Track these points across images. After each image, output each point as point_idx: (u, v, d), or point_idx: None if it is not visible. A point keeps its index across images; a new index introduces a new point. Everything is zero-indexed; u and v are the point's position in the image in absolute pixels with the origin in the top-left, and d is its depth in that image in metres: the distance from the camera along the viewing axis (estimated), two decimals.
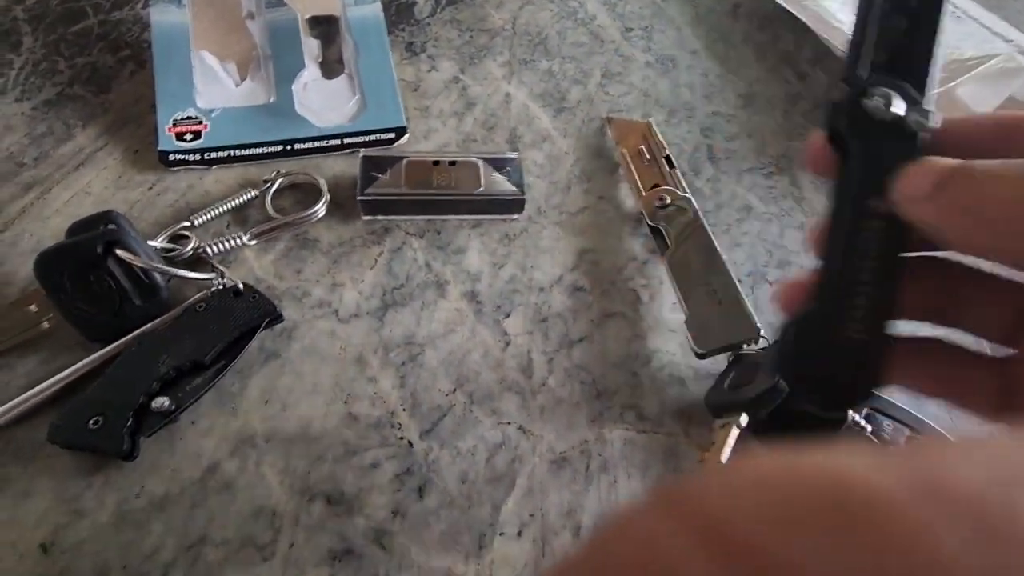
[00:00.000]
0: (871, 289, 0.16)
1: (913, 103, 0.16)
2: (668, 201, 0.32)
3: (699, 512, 0.07)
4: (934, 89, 0.17)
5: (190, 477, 0.22)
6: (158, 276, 0.25)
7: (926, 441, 0.07)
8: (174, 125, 0.32)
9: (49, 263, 0.23)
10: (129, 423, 0.22)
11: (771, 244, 0.33)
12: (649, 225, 0.31)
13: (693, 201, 0.32)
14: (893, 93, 0.16)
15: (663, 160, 0.34)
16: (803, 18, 0.43)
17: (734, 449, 0.22)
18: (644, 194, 0.32)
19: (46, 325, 0.24)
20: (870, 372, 0.16)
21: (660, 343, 0.28)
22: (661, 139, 0.35)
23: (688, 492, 0.07)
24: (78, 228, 0.25)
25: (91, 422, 0.22)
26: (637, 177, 0.33)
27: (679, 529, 0.07)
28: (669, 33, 0.45)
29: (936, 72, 0.17)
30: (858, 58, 0.16)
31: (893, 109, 0.16)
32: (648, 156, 0.34)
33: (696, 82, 0.41)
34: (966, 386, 0.17)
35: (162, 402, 0.23)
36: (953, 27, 0.47)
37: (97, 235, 0.24)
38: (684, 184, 0.33)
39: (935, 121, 0.16)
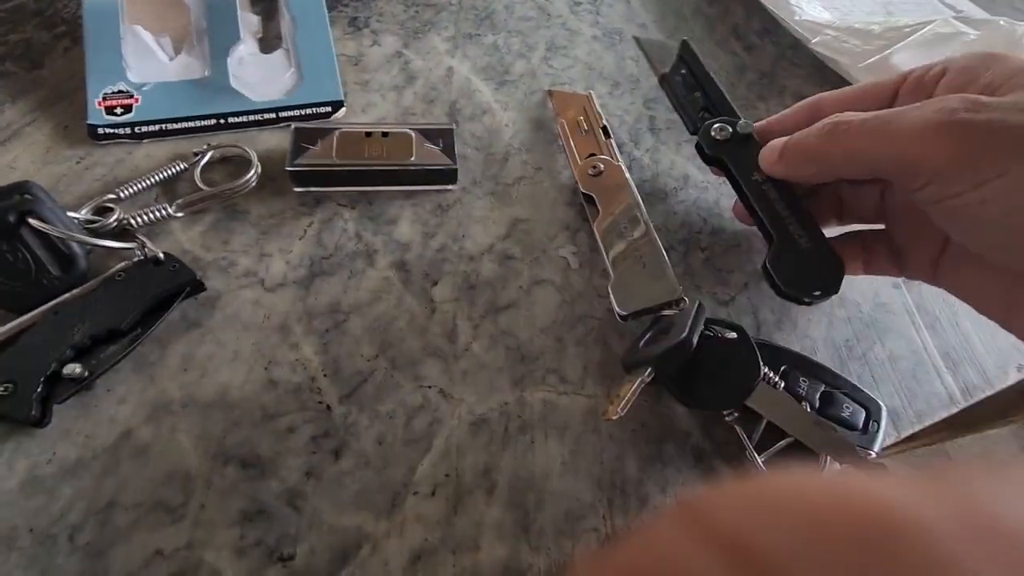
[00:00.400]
0: (793, 216, 0.26)
1: (734, 122, 0.30)
2: (601, 168, 0.32)
3: (725, 532, 0.06)
4: (737, 111, 0.31)
5: (103, 443, 0.22)
6: (76, 247, 0.25)
7: (969, 470, 0.07)
8: (104, 99, 0.32)
9: None
10: (40, 390, 0.22)
11: (706, 212, 0.33)
12: (582, 193, 0.31)
13: (625, 170, 0.32)
14: (720, 124, 0.30)
15: (599, 130, 0.34)
16: None
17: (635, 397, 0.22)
18: (579, 163, 0.32)
19: None
20: (833, 260, 0.25)
21: (587, 309, 0.28)
22: (599, 110, 0.35)
23: (712, 509, 0.07)
24: None
25: (2, 388, 0.22)
26: (574, 147, 0.33)
27: (704, 549, 0.06)
28: (618, 7, 0.44)
29: (730, 101, 0.32)
30: (691, 117, 0.32)
31: (727, 130, 0.30)
32: (586, 127, 0.34)
33: (642, 55, 0.41)
34: (875, 256, 0.27)
35: (74, 368, 0.22)
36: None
37: (9, 205, 0.24)
38: (617, 153, 0.33)
39: (751, 127, 0.29)
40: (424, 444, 0.24)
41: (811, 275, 0.25)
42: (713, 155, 0.29)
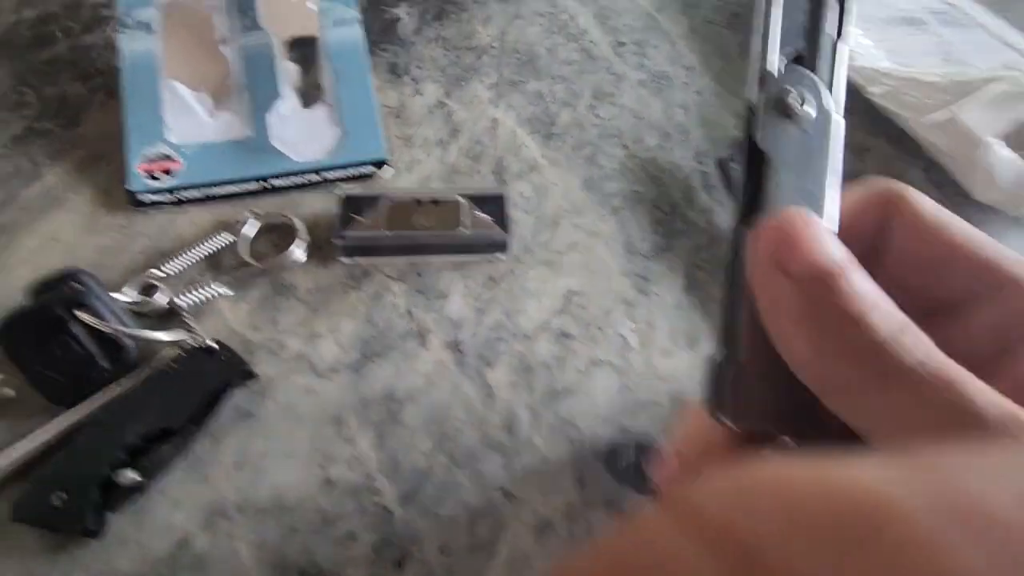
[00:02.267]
0: None
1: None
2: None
3: (711, 522, 0.06)
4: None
5: (159, 553, 0.22)
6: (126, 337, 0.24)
7: (950, 453, 0.07)
8: (144, 162, 0.31)
9: (10, 330, 0.22)
10: (94, 499, 0.21)
11: None
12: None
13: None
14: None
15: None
16: None
17: None
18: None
19: (11, 393, 0.23)
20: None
21: (650, 394, 0.27)
22: None
23: (700, 499, 0.07)
24: (42, 288, 0.24)
25: (55, 498, 0.21)
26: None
27: (690, 538, 0.06)
28: (663, 48, 0.43)
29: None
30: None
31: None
32: None
33: (691, 102, 0.39)
34: None
35: (129, 476, 0.22)
36: (959, 35, 0.45)
37: (58, 298, 0.23)
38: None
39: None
40: (488, 551, 0.23)
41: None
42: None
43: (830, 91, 0.15)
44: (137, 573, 0.21)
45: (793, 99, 0.14)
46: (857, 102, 0.40)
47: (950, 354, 0.12)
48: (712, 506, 0.07)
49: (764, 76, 0.15)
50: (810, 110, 0.14)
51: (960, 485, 0.06)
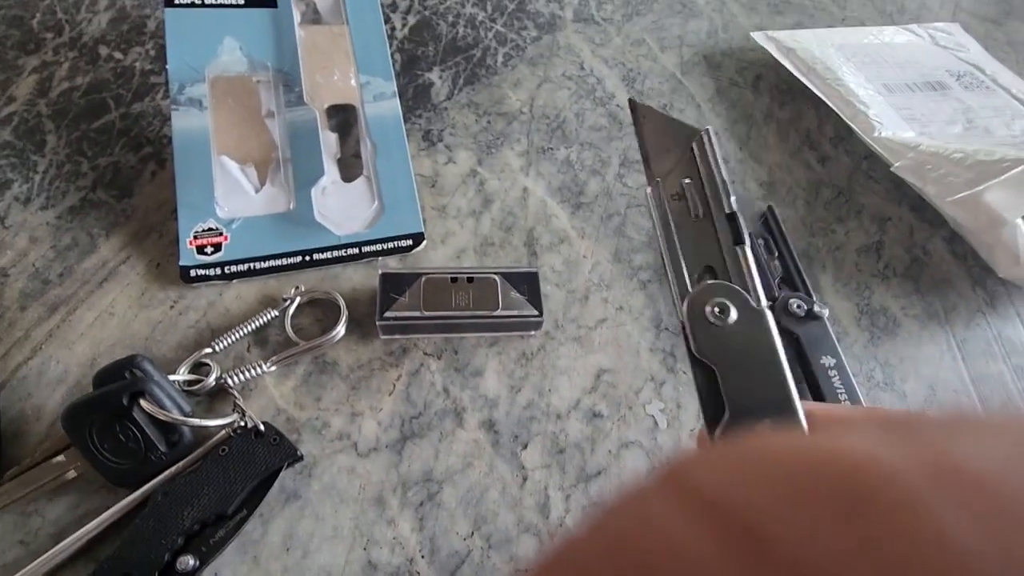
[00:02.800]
0: None
1: (811, 301, 0.29)
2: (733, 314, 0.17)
3: (705, 492, 0.07)
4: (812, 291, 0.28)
5: None
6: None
7: (936, 420, 0.08)
8: (195, 238, 0.32)
9: (76, 417, 0.24)
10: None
11: (792, 361, 0.33)
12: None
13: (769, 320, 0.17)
14: (798, 300, 0.30)
15: (719, 179, 0.18)
16: (823, 96, 0.43)
17: None
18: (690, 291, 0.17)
19: (73, 474, 0.25)
20: None
21: None
22: (720, 159, 0.19)
23: (693, 471, 0.07)
24: (105, 374, 0.25)
25: None
26: (680, 254, 0.17)
27: (684, 509, 0.06)
28: (688, 112, 0.44)
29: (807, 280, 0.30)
30: (766, 284, 0.27)
31: (803, 307, 0.30)
32: (699, 208, 0.18)
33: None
34: None
35: (187, 561, 0.23)
36: (980, 100, 0.46)
37: (123, 386, 0.24)
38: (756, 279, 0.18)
39: (826, 309, 0.30)
40: None
41: None
42: (787, 328, 0.31)
43: (748, 292, 0.16)
44: None
45: (710, 310, 0.16)
46: (880, 171, 0.41)
47: None
48: (710, 480, 0.07)
49: (683, 295, 0.16)
50: (733, 315, 0.16)
51: (946, 451, 0.06)
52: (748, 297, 0.16)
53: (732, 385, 0.15)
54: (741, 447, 0.07)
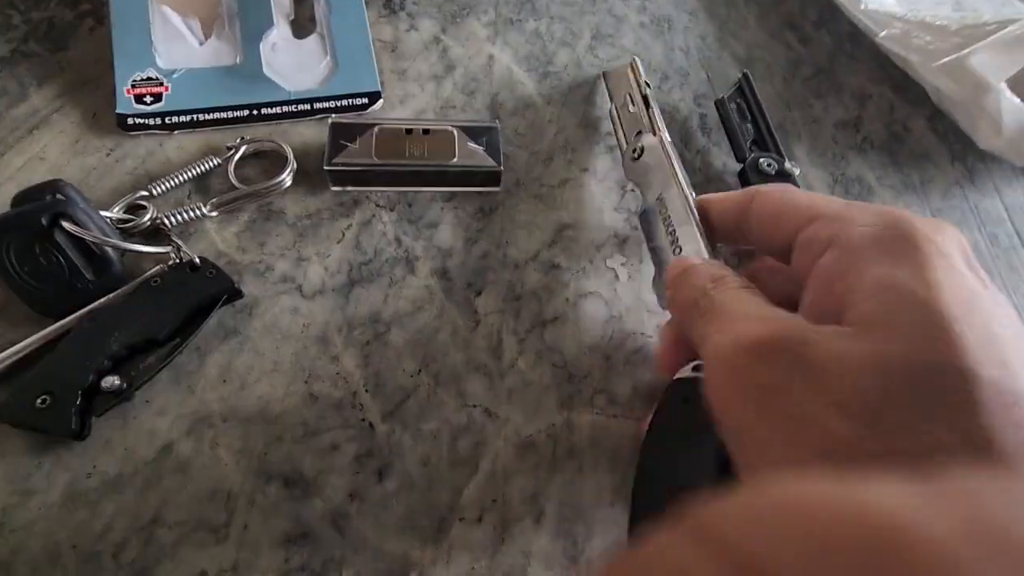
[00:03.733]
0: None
1: (781, 161, 0.31)
2: (640, 147, 0.28)
3: (734, 548, 0.06)
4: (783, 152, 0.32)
5: (144, 457, 0.22)
6: (111, 250, 0.24)
7: (973, 479, 0.07)
8: (133, 87, 0.30)
9: None
10: (79, 402, 0.21)
11: None
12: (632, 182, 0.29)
13: (668, 144, 0.27)
14: (769, 159, 0.31)
15: (640, 100, 0.30)
16: None
17: None
18: (626, 147, 0.29)
19: None
20: None
21: (636, 324, 0.27)
22: (644, 78, 0.31)
23: (721, 524, 0.07)
24: (23, 198, 0.23)
25: (39, 401, 0.21)
26: (623, 130, 0.30)
27: (710, 562, 0.06)
28: None
29: (779, 142, 0.32)
30: (739, 146, 0.32)
31: (773, 166, 0.31)
32: (631, 106, 0.31)
33: (692, 45, 0.39)
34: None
35: (112, 381, 0.22)
36: None
37: (42, 206, 0.23)
38: (659, 124, 0.28)
39: (797, 168, 0.31)
40: (470, 466, 0.23)
41: None
42: (757, 181, 0.30)
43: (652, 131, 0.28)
44: (121, 475, 0.22)
45: (630, 150, 0.28)
46: (862, 49, 0.40)
47: (789, 277, 0.18)
48: (734, 532, 0.06)
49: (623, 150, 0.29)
50: (648, 142, 0.28)
51: (988, 514, 0.06)
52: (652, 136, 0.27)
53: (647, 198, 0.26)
54: (767, 497, 0.07)
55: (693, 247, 0.22)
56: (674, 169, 0.26)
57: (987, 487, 0.06)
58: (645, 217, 0.26)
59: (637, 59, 0.32)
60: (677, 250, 0.23)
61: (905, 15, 0.37)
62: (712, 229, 0.23)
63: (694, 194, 0.24)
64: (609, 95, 0.34)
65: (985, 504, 0.06)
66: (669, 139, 0.27)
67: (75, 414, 0.21)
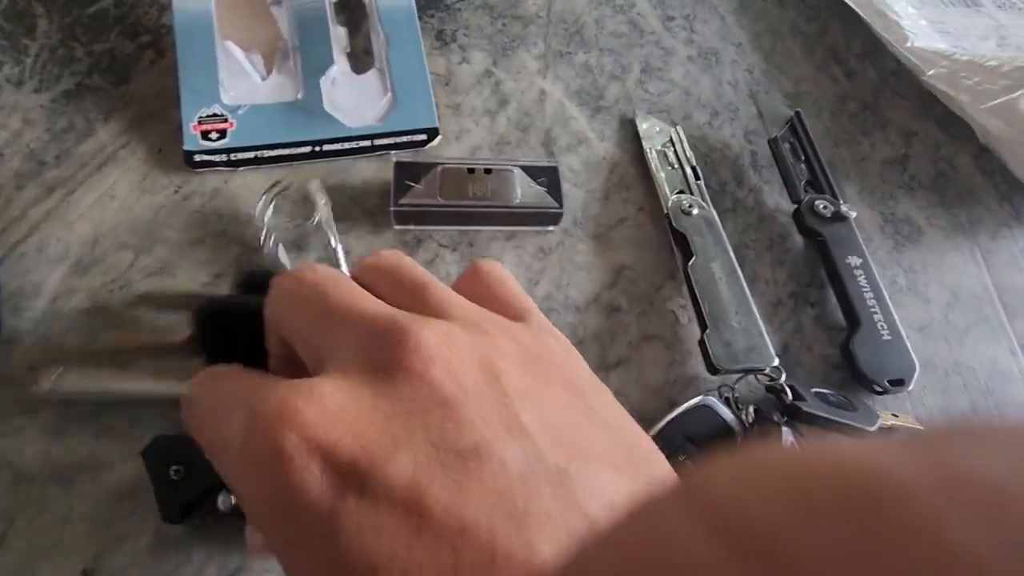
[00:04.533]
0: (879, 307, 0.29)
1: (837, 203, 0.31)
2: (692, 210, 0.30)
3: (722, 509, 0.07)
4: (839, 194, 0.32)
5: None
6: None
7: (945, 428, 0.07)
8: (199, 123, 0.31)
9: (218, 319, 0.19)
10: (196, 496, 0.21)
11: (816, 262, 0.32)
12: (672, 228, 0.30)
13: (716, 219, 0.31)
14: (825, 201, 0.31)
15: (688, 169, 0.33)
16: (854, 5, 0.41)
17: None
18: (669, 196, 0.31)
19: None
20: (910, 358, 0.28)
21: (700, 368, 0.28)
22: (687, 148, 0.34)
23: (709, 486, 0.07)
24: (247, 281, 0.21)
25: (173, 470, 0.21)
26: (663, 177, 0.32)
27: (701, 528, 0.06)
28: (712, 23, 0.42)
29: (833, 183, 0.33)
30: (793, 186, 0.32)
31: (830, 208, 0.31)
32: (674, 162, 0.33)
33: (740, 79, 0.39)
34: None
35: (226, 502, 0.22)
36: (1014, 20, 0.44)
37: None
38: (707, 199, 0.31)
39: (852, 213, 0.31)
40: None
41: (890, 365, 0.27)
42: (813, 228, 0.31)
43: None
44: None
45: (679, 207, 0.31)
46: (907, 86, 0.40)
47: None
48: (721, 493, 0.07)
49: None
50: (693, 211, 0.31)
51: (958, 462, 0.06)
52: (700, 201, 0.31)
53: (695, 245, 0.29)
54: (755, 458, 0.07)
55: None
56: (725, 243, 0.30)
57: (955, 438, 0.07)
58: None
59: (680, 129, 0.35)
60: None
61: (952, 54, 0.37)
62: None
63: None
64: (642, 136, 0.35)
65: (953, 452, 0.06)
66: (729, 207, 0.32)
67: (182, 505, 0.21)
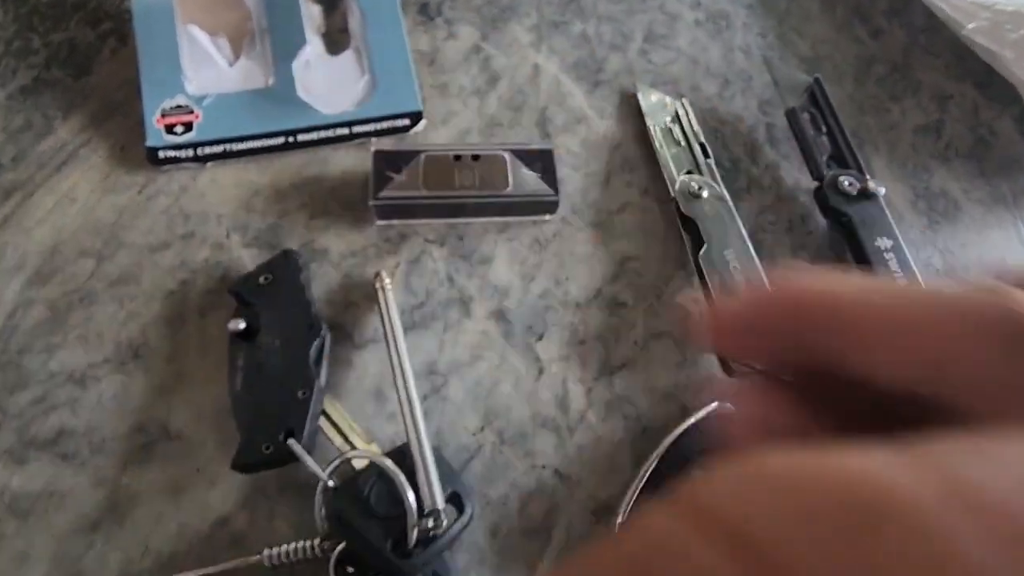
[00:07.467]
0: None
1: (864, 179, 0.28)
2: (702, 192, 0.27)
3: (723, 521, 0.06)
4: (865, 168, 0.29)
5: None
6: None
7: (950, 441, 0.07)
8: (162, 116, 0.28)
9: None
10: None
11: (841, 247, 0.29)
12: (680, 213, 0.27)
13: (731, 204, 0.28)
14: (851, 177, 0.28)
15: (697, 146, 0.30)
16: None
17: None
18: (676, 177, 0.28)
19: None
20: None
21: (714, 369, 0.25)
22: (695, 124, 0.30)
23: (710, 497, 0.07)
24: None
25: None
26: (668, 158, 0.29)
27: (701, 538, 0.06)
28: None
29: (859, 156, 0.29)
30: (815, 161, 0.28)
31: (856, 185, 0.27)
32: (681, 140, 0.30)
33: (752, 44, 0.35)
34: None
35: None
36: None
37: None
38: (720, 183, 0.28)
39: (881, 190, 0.28)
40: (543, 536, 0.21)
41: None
42: (837, 208, 0.28)
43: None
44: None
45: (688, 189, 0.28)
46: (942, 43, 0.36)
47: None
48: (723, 504, 0.07)
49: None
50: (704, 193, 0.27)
51: (964, 476, 0.06)
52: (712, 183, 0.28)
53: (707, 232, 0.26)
54: (757, 466, 0.07)
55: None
56: (740, 227, 0.27)
57: (960, 452, 0.07)
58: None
59: (686, 101, 0.31)
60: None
61: (995, 4, 0.33)
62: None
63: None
64: (644, 112, 0.31)
65: (959, 467, 0.06)
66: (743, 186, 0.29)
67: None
